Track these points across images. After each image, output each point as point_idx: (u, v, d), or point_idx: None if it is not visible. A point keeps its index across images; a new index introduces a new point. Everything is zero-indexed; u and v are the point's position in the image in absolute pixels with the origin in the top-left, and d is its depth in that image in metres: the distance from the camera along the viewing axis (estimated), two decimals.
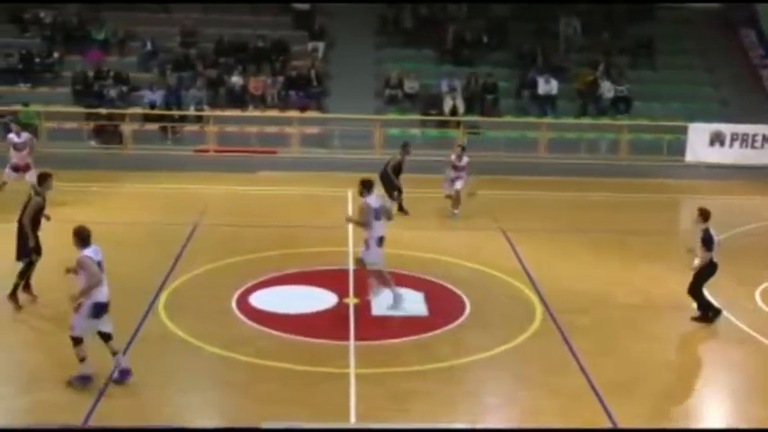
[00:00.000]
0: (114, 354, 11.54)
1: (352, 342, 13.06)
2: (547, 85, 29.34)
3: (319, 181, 23.89)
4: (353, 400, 11.34)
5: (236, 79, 29.10)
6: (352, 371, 12.14)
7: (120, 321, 13.45)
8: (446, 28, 31.37)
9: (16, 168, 20.38)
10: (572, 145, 27.94)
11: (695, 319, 14.34)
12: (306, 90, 29.22)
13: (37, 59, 29.71)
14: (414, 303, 14.73)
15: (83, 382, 11.39)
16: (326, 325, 13.84)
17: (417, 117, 28.78)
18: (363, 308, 14.47)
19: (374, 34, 32.04)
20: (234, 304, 14.51)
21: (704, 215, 14.14)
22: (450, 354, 12.87)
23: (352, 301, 14.73)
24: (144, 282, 15.37)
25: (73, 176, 22.47)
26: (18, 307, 14.12)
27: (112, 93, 28.47)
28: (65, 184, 21.09)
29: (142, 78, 29.41)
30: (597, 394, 11.61)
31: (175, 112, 27.93)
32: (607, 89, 29.50)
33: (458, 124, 27.97)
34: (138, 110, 28.23)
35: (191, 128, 28.21)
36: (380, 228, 14.20)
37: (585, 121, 28.98)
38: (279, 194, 22.47)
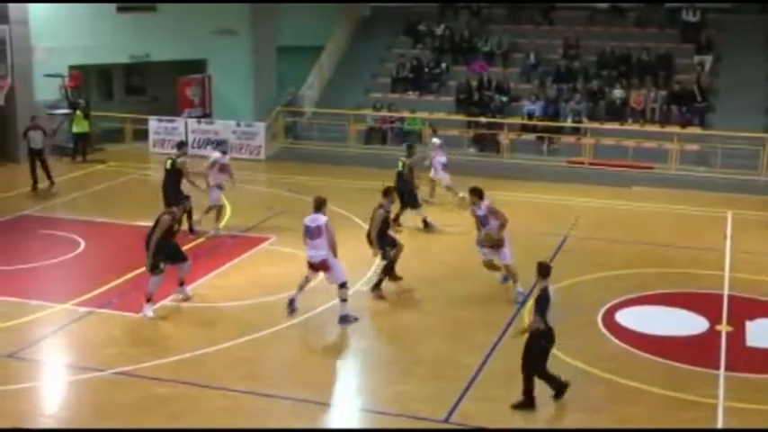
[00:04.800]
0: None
1: (722, 372, 12.37)
2: None
3: (696, 200, 22.90)
4: None
5: (617, 92, 28.77)
6: (720, 402, 11.52)
7: (487, 324, 13.95)
8: None
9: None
10: None
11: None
12: (689, 105, 28.15)
13: (426, 69, 31.43)
14: None
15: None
16: (694, 351, 13.22)
17: None
18: (737, 337, 13.67)
19: (767, 48, 30.06)
20: (599, 319, 14.34)
21: (543, 270, 11.26)
22: None
23: (724, 328, 13.97)
24: (511, 288, 15.66)
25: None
26: (382, 298, 15.15)
27: (493, 103, 29.33)
28: (441, 188, 22.11)
29: (523, 89, 30.04)
30: None
31: (552, 123, 28.16)
32: None
33: None
34: (517, 120, 28.82)
35: (567, 139, 28.31)
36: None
37: None
38: (652, 211, 21.83)
